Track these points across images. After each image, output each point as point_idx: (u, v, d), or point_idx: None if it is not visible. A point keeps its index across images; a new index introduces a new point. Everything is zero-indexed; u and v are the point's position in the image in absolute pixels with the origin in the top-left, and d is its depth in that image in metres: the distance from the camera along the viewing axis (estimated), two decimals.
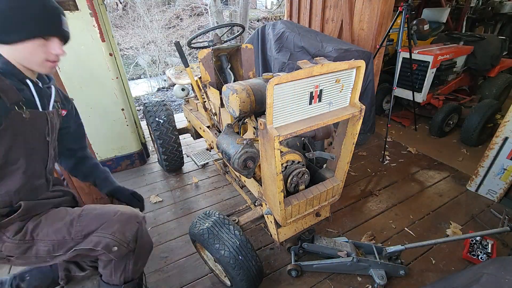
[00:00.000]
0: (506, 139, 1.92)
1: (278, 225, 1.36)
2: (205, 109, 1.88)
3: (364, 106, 1.11)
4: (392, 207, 2.08)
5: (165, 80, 7.43)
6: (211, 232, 1.28)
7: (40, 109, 1.01)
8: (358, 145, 2.90)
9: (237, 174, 1.69)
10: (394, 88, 2.46)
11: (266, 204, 1.35)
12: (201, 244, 1.36)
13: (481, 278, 0.87)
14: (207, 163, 2.65)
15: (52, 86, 1.13)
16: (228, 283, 1.45)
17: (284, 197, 1.17)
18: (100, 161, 2.42)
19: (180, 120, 3.65)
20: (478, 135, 2.74)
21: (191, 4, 10.61)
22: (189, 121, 2.51)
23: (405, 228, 1.87)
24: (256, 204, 1.51)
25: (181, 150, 2.42)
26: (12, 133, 0.91)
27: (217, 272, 1.52)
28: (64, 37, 0.99)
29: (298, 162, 1.31)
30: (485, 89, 3.36)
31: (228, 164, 1.49)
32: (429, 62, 2.83)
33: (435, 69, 2.89)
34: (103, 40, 2.03)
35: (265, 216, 1.41)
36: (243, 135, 1.55)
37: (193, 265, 1.65)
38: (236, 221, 1.43)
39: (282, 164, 1.25)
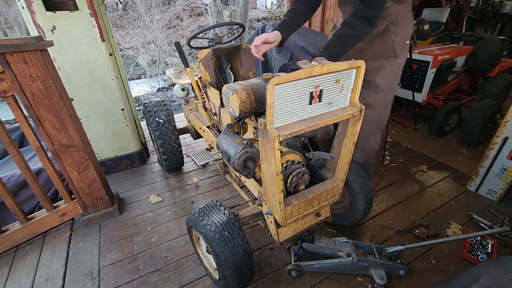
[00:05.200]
0: (506, 139, 1.92)
1: (278, 225, 1.36)
2: (205, 109, 1.88)
3: (364, 106, 1.11)
4: (392, 207, 2.08)
5: (165, 80, 7.43)
6: (202, 211, 1.32)
7: None
8: None
9: (237, 174, 1.70)
10: None
11: (266, 204, 1.35)
12: (192, 225, 1.35)
13: (481, 278, 0.87)
14: (207, 163, 2.65)
15: None
16: (217, 277, 1.43)
17: (284, 197, 1.17)
18: (100, 161, 2.43)
19: (180, 120, 3.65)
20: (478, 135, 2.74)
21: (191, 4, 10.61)
22: (189, 121, 2.51)
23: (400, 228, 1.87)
24: (255, 204, 1.51)
25: (181, 150, 2.43)
26: None
27: (210, 270, 1.50)
28: None
29: (298, 162, 1.31)
30: (485, 89, 3.36)
31: (228, 164, 1.49)
32: (429, 62, 2.83)
33: (435, 69, 2.89)
34: (103, 40, 2.03)
35: (265, 216, 1.41)
36: (243, 135, 1.55)
37: (193, 265, 1.65)
38: (236, 213, 1.42)
39: (282, 164, 1.25)
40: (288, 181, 1.24)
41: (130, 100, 2.56)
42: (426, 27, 3.11)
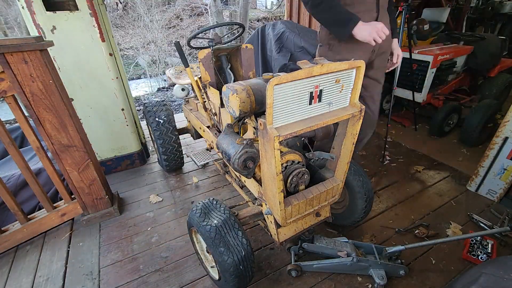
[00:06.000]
0: (506, 139, 1.92)
1: (278, 225, 1.36)
2: (205, 109, 1.88)
3: (364, 106, 1.11)
4: (392, 207, 2.08)
5: (165, 80, 7.44)
6: (202, 211, 1.33)
7: None
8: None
9: (237, 174, 1.70)
10: (394, 88, 2.46)
11: (266, 204, 1.35)
12: (193, 225, 1.35)
13: (480, 278, 0.87)
14: (207, 163, 2.65)
15: None
16: (217, 277, 1.43)
17: (284, 197, 1.17)
18: (100, 161, 2.43)
19: (180, 120, 3.65)
20: (478, 135, 2.74)
21: (191, 4, 10.61)
22: (189, 121, 2.51)
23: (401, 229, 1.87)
24: (255, 204, 1.51)
25: (181, 150, 2.43)
26: None
27: (210, 270, 1.50)
28: None
29: (298, 162, 1.31)
30: (485, 89, 3.36)
31: (228, 164, 1.49)
32: (429, 62, 2.83)
33: (435, 69, 2.89)
34: (103, 40, 2.03)
35: (265, 216, 1.41)
36: (243, 135, 1.55)
37: (193, 265, 1.65)
38: (236, 214, 1.43)
39: (282, 164, 1.25)
40: (288, 181, 1.24)
41: (130, 100, 2.56)
42: (426, 27, 3.11)
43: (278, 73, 1.36)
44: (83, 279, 1.59)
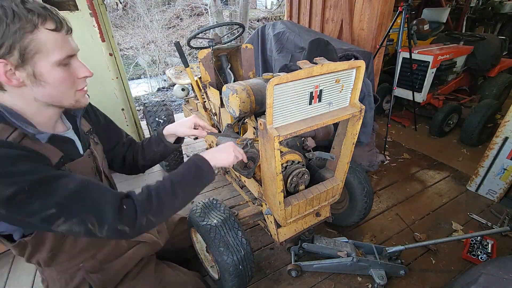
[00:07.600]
0: (506, 139, 1.92)
1: (278, 225, 1.36)
2: (205, 109, 1.88)
3: (364, 106, 1.11)
4: (392, 207, 2.08)
5: (165, 80, 7.43)
6: (202, 210, 1.34)
7: (82, 151, 0.95)
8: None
9: (237, 174, 1.70)
10: (394, 88, 2.46)
11: (266, 204, 1.35)
12: (193, 225, 1.35)
13: (479, 278, 0.87)
14: None
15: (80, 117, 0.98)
16: (217, 277, 1.42)
17: (284, 197, 1.17)
18: None
19: None
20: (478, 135, 2.74)
21: (191, 4, 10.61)
22: None
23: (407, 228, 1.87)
24: (255, 204, 1.51)
25: (181, 150, 2.42)
26: None
27: (210, 269, 1.50)
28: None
29: (298, 162, 1.31)
30: (485, 89, 3.36)
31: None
32: (429, 62, 2.83)
33: (435, 69, 2.89)
34: (103, 40, 2.03)
35: (265, 216, 1.41)
36: (243, 135, 1.55)
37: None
38: (236, 213, 1.43)
39: (282, 164, 1.25)
40: (288, 181, 1.24)
41: (130, 100, 2.56)
42: (426, 27, 3.12)
43: (278, 73, 1.36)
44: None
